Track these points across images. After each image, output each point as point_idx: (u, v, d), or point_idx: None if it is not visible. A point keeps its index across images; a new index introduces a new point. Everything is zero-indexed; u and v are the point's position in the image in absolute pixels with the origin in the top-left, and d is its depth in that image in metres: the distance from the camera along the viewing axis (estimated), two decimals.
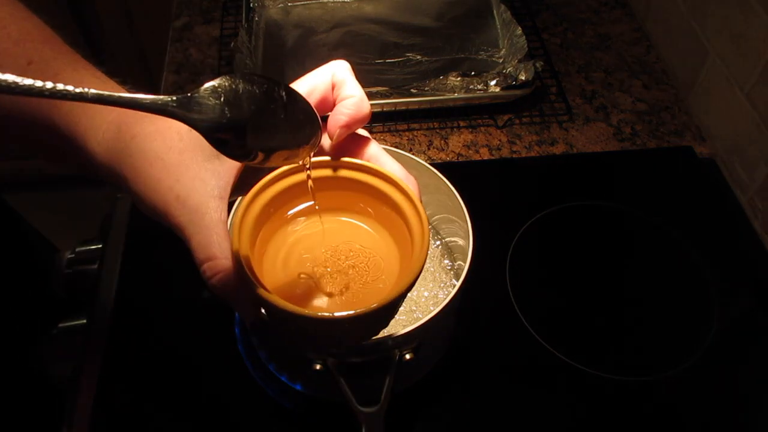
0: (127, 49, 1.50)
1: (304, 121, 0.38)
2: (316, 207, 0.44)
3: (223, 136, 0.34)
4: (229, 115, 0.33)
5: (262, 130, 0.36)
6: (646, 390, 0.60)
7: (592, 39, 0.95)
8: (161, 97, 0.32)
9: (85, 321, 0.64)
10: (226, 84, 0.34)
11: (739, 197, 0.76)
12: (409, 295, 0.60)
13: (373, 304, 0.36)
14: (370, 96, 0.80)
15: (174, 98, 0.32)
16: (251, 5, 0.92)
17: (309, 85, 0.41)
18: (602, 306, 0.66)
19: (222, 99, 0.33)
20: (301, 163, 0.41)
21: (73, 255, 0.68)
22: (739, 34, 0.74)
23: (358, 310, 0.36)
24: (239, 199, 0.45)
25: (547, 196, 0.74)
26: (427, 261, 0.63)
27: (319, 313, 0.36)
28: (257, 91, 0.35)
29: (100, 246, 0.69)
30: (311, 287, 0.43)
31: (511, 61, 0.84)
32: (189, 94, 0.32)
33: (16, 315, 0.75)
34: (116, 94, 0.30)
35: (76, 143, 0.40)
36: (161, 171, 0.38)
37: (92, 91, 0.29)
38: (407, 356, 0.50)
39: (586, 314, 0.65)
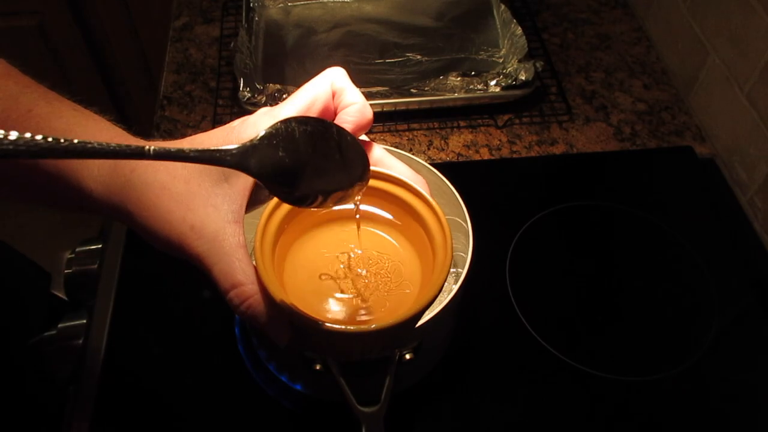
0: (127, 49, 1.50)
1: (356, 159, 0.38)
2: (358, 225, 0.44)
3: (282, 182, 0.33)
4: (288, 161, 0.33)
5: (321, 172, 0.35)
6: (646, 390, 0.60)
7: (592, 39, 0.95)
8: (220, 148, 0.32)
9: (85, 321, 0.64)
10: (282, 129, 0.33)
11: (739, 197, 0.76)
12: None
13: (410, 311, 0.36)
14: (370, 96, 0.80)
15: (232, 148, 0.32)
16: (251, 5, 0.92)
17: (310, 96, 0.40)
18: (602, 306, 0.66)
19: (280, 146, 0.33)
20: (357, 199, 0.40)
21: (73, 255, 0.68)
22: (739, 34, 0.74)
23: (397, 319, 0.36)
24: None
25: (547, 196, 0.74)
26: None
27: (356, 327, 0.36)
28: (312, 133, 0.34)
29: (100, 246, 0.69)
30: (336, 298, 0.43)
31: (511, 61, 0.84)
32: (248, 143, 0.32)
33: (16, 315, 0.75)
34: (173, 148, 0.30)
35: (69, 182, 0.38)
36: (170, 202, 0.37)
37: (153, 147, 0.29)
38: (407, 356, 0.50)
39: (586, 314, 0.65)
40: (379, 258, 0.44)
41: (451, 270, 0.62)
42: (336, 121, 0.40)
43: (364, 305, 0.43)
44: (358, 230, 0.43)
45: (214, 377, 0.61)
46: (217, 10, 0.99)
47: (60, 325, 0.63)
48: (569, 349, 0.61)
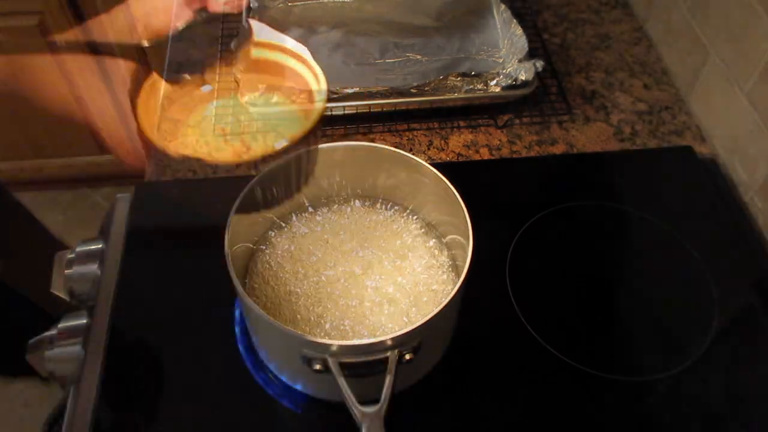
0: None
1: None
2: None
3: None
4: None
5: None
6: (645, 390, 0.60)
7: (592, 39, 0.95)
8: None
9: (85, 321, 0.64)
10: None
11: (739, 197, 0.76)
12: (409, 294, 0.60)
13: None
14: (370, 96, 0.80)
15: None
16: (251, 5, 0.92)
17: None
18: (602, 306, 0.66)
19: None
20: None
21: (73, 255, 0.68)
22: (739, 34, 0.74)
23: None
24: None
25: (547, 196, 0.74)
26: (427, 259, 0.63)
27: None
28: None
29: (100, 246, 0.69)
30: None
31: (511, 61, 0.84)
32: None
33: (16, 315, 0.75)
34: None
35: None
36: (54, 76, 0.40)
37: None
38: (407, 356, 0.50)
39: (586, 314, 0.65)
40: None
41: (452, 268, 0.62)
42: None
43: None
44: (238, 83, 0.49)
45: (214, 377, 0.61)
46: None
47: (60, 325, 0.63)
48: (569, 349, 0.61)
